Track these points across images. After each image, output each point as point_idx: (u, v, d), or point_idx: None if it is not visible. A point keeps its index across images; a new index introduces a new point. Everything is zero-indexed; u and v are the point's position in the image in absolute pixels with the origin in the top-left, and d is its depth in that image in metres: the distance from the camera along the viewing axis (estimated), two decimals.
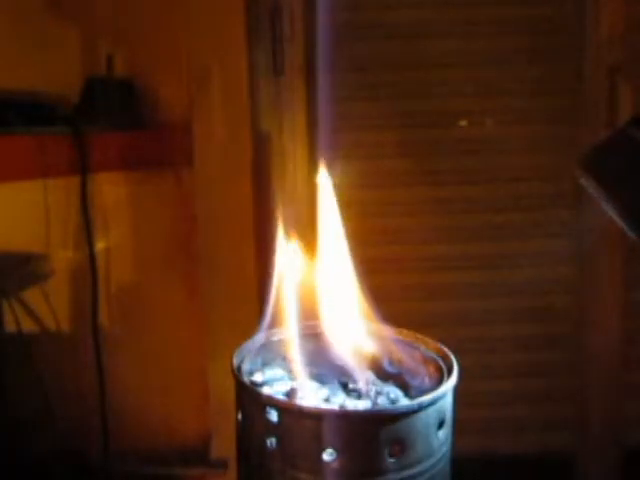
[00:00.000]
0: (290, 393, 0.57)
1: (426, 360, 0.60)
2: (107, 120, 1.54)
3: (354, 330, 0.62)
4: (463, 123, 1.77)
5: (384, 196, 1.74)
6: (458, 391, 0.57)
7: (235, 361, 0.58)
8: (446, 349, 0.60)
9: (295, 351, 0.60)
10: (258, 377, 0.60)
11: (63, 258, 1.61)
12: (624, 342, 1.76)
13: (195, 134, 1.58)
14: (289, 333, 0.61)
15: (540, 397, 1.81)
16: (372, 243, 1.68)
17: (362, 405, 0.57)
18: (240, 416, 0.57)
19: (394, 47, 1.71)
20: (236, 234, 1.60)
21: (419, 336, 0.63)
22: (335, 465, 0.52)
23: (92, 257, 1.56)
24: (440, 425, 0.55)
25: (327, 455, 0.52)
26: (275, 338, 0.62)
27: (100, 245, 1.61)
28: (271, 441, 0.54)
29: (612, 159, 0.61)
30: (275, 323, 0.61)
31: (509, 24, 1.72)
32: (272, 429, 0.53)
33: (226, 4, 1.57)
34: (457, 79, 1.72)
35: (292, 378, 0.59)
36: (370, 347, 0.61)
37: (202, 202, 1.60)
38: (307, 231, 0.62)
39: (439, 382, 0.57)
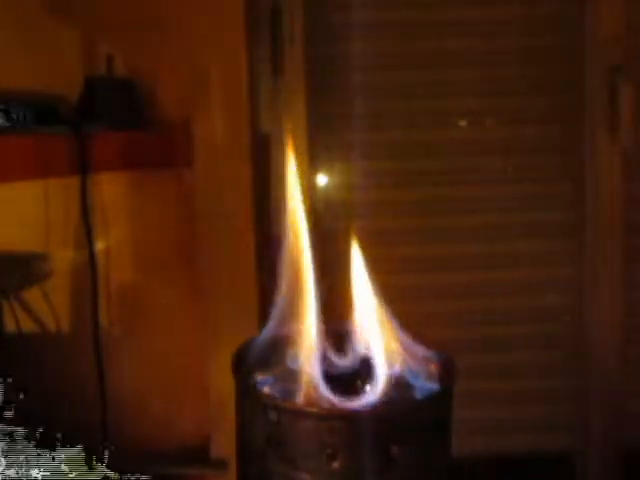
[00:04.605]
0: (290, 393, 0.57)
1: (426, 360, 0.60)
2: (107, 120, 1.53)
3: (356, 330, 0.62)
4: (463, 123, 1.77)
5: (383, 196, 1.74)
6: (458, 391, 0.57)
7: (235, 361, 0.58)
8: (446, 349, 0.60)
9: (296, 351, 0.60)
10: (258, 377, 0.60)
11: (63, 258, 1.61)
12: (624, 342, 1.76)
13: (195, 134, 1.58)
14: (290, 332, 0.61)
15: (540, 397, 1.81)
16: (372, 243, 1.68)
17: (362, 404, 0.56)
18: (240, 416, 0.57)
19: (394, 47, 1.71)
20: (236, 234, 1.60)
21: (419, 336, 0.63)
22: (335, 465, 0.52)
23: (92, 257, 1.56)
24: (440, 425, 0.55)
25: (327, 455, 0.52)
26: (276, 338, 0.62)
27: (100, 245, 1.61)
28: (271, 441, 0.54)
29: None
30: (276, 323, 0.61)
31: (509, 24, 1.72)
32: (272, 429, 0.53)
33: (226, 4, 1.57)
34: (457, 79, 1.72)
35: (292, 378, 0.59)
36: (372, 347, 0.61)
37: (202, 202, 1.60)
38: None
39: (439, 382, 0.57)
